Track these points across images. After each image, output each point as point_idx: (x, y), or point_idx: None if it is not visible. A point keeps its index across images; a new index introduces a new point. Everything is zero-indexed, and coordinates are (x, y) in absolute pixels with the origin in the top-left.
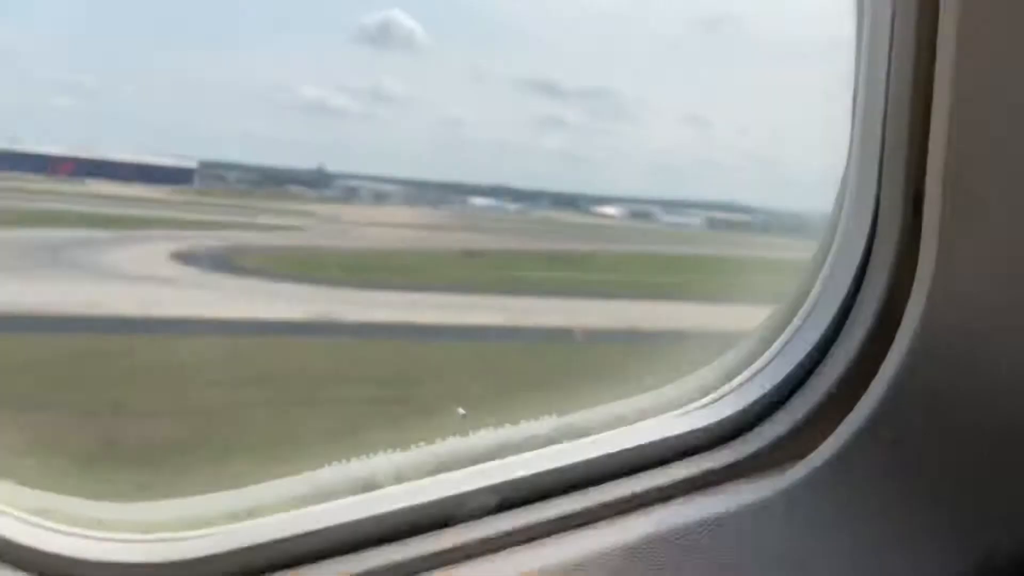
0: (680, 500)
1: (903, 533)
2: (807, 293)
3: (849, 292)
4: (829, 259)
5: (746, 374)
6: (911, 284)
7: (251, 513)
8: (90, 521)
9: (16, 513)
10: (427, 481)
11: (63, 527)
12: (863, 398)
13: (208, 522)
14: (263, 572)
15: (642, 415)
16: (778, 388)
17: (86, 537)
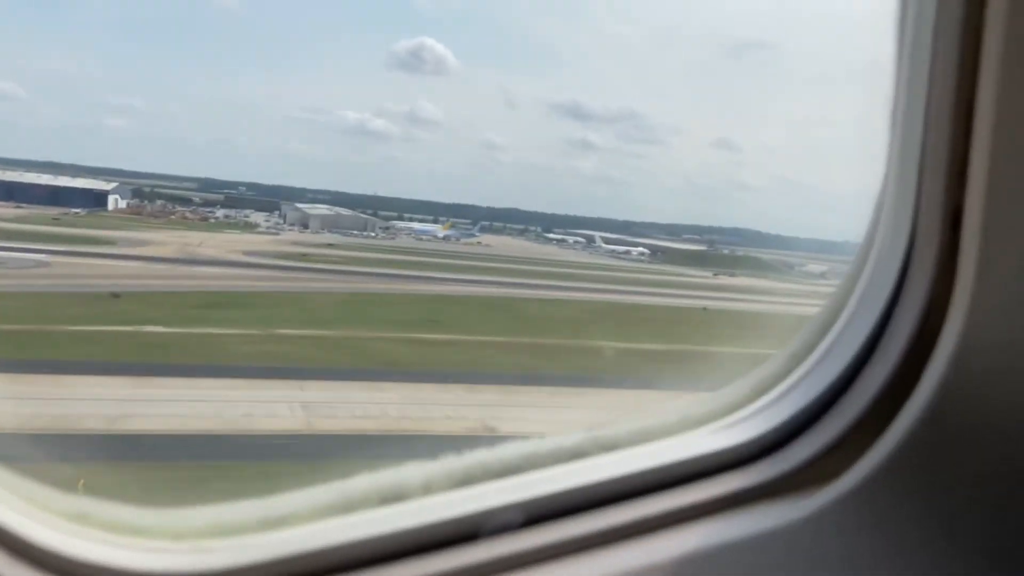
0: (707, 520)
1: (936, 564)
2: (841, 309)
3: (885, 309)
4: (864, 274)
5: (776, 392)
6: (949, 301)
7: (282, 522)
8: (125, 527)
9: (51, 519)
10: (455, 495)
11: (94, 533)
12: (897, 420)
13: (238, 530)
14: None
15: (669, 431)
16: (809, 408)
17: (116, 545)
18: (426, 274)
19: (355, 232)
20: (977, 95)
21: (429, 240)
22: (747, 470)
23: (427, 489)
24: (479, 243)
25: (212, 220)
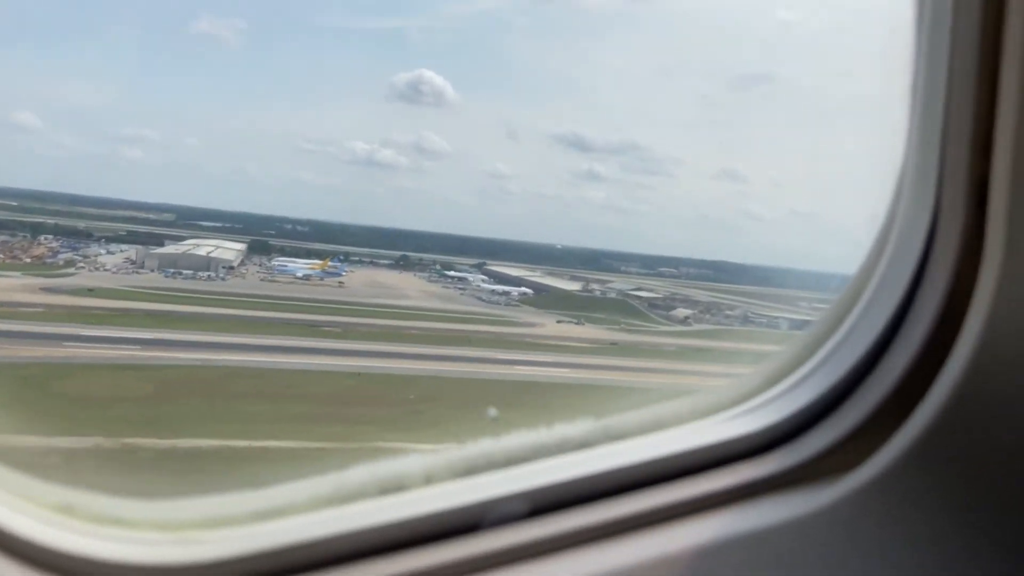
0: (719, 511)
1: (959, 557)
2: (861, 292)
3: (907, 291)
4: (885, 254)
5: (793, 378)
6: (975, 281)
7: (278, 513)
8: (112, 519)
9: (36, 511)
10: (456, 484)
11: (82, 526)
12: (920, 406)
13: (232, 522)
14: (290, 575)
15: (681, 420)
16: (827, 394)
17: (105, 537)
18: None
19: (190, 273)
20: (1002, 59)
21: (283, 280)
22: (762, 459)
23: (428, 479)
24: (340, 283)
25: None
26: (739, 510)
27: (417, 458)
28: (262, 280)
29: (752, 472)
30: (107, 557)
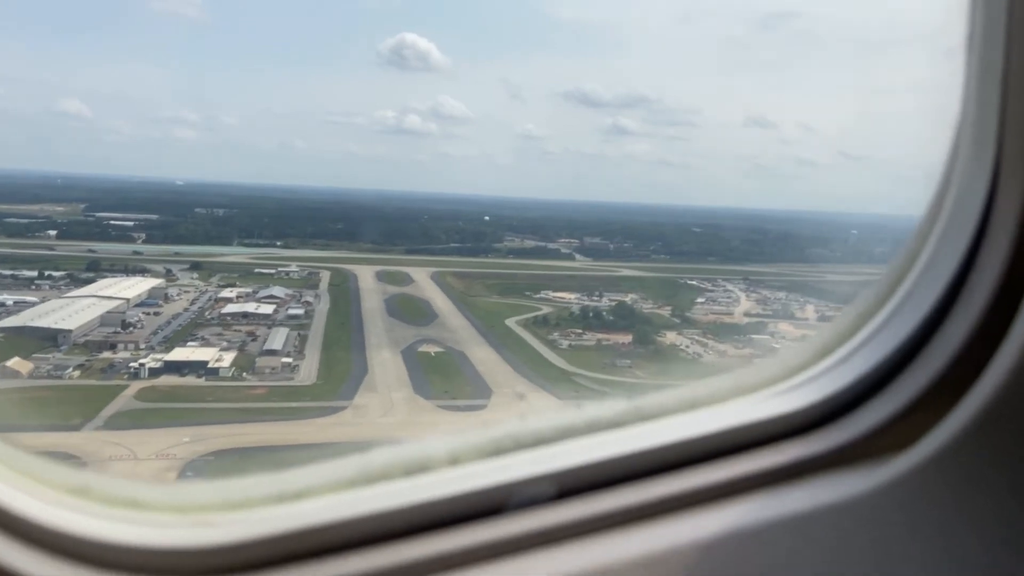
0: (762, 493)
1: (1019, 540)
2: (916, 258)
3: (966, 255)
4: (942, 217)
5: (842, 351)
6: None
7: (298, 495)
8: (128, 502)
9: (48, 493)
10: (482, 465)
11: (97, 508)
12: (980, 380)
13: (251, 504)
14: (307, 558)
15: (720, 398)
16: (879, 368)
17: (120, 520)
18: None
19: None
20: None
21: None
22: (809, 438)
23: (453, 460)
24: None
25: None
26: (784, 491)
27: (442, 438)
28: None
29: (798, 451)
30: (121, 540)
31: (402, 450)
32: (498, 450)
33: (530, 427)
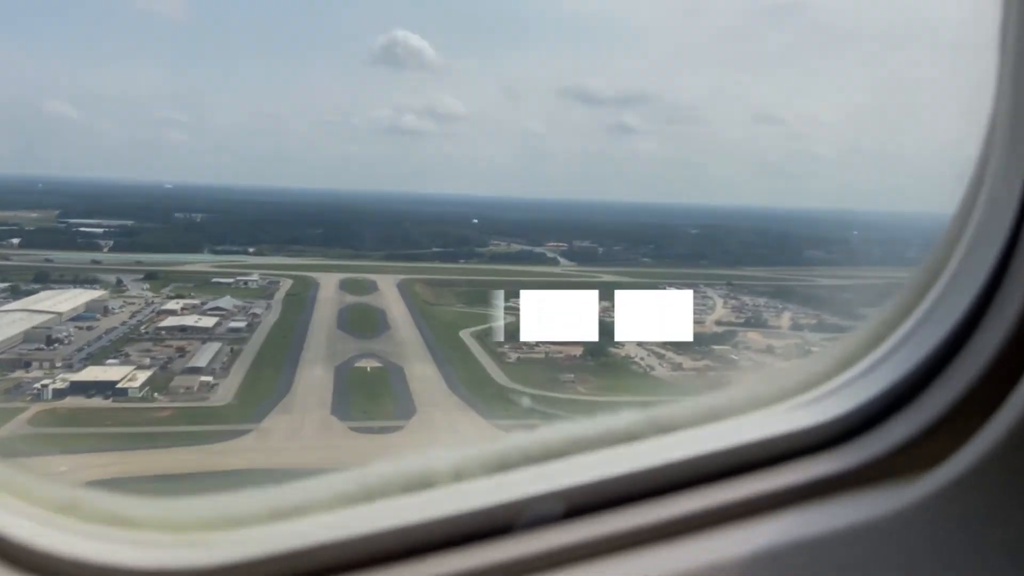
0: (782, 512)
1: None
2: (946, 262)
3: (999, 260)
4: (974, 219)
5: (867, 362)
6: None
7: (293, 513)
8: (118, 519)
9: (37, 512)
10: (487, 481)
11: (85, 527)
12: (1014, 393)
13: (245, 522)
14: None
15: (739, 409)
16: (906, 380)
17: (109, 539)
18: None
19: None
20: None
21: None
22: (831, 454)
23: (456, 476)
24: None
25: None
26: (805, 511)
27: (445, 452)
28: None
29: (820, 468)
30: (110, 561)
31: (402, 465)
32: (504, 465)
33: (538, 440)
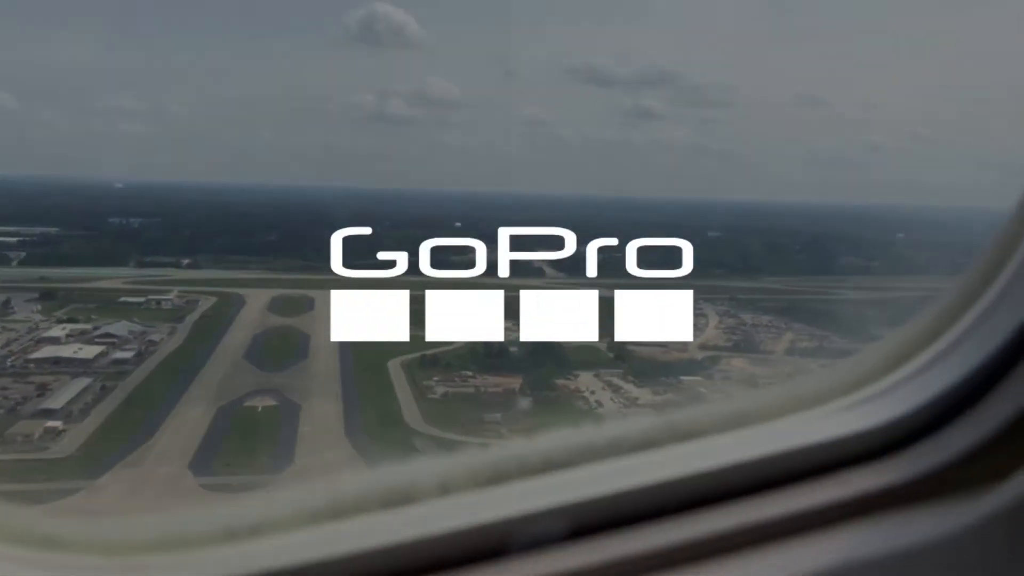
0: (825, 532)
1: None
2: (1013, 249)
3: None
4: None
5: (921, 360)
6: None
7: (254, 531)
8: (43, 540)
9: None
10: (480, 495)
11: (6, 550)
12: None
13: (196, 542)
14: None
15: (772, 414)
16: (966, 383)
17: (32, 564)
18: None
19: None
20: None
21: None
22: (879, 466)
23: (443, 489)
24: None
25: None
26: (850, 531)
27: (430, 461)
28: None
29: (867, 482)
30: None
31: (380, 476)
32: (499, 477)
33: (539, 448)
